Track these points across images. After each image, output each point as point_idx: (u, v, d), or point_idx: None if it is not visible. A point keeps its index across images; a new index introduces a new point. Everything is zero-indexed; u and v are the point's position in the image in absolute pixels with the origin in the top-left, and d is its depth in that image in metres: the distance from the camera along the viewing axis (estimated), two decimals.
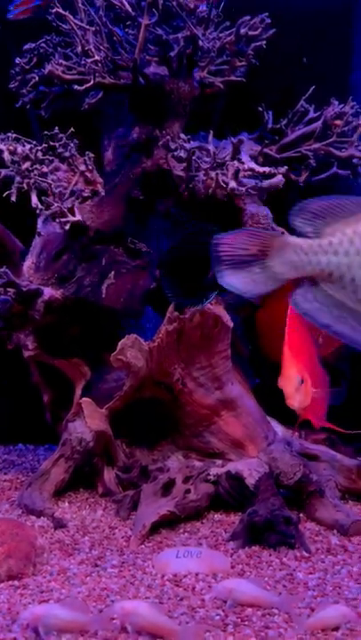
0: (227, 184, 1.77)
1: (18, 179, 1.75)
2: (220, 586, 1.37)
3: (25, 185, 1.74)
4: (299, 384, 1.38)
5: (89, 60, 1.90)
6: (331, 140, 2.08)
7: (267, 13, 2.01)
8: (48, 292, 1.93)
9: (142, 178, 2.00)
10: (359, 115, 2.11)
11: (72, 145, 1.84)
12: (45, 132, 1.84)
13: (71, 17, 1.92)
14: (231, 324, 1.90)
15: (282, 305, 1.80)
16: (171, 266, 1.88)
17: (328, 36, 2.40)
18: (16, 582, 1.44)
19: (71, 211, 1.80)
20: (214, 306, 1.90)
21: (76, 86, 1.93)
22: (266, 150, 2.08)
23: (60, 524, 1.73)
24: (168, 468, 1.85)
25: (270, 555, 1.59)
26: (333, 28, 2.41)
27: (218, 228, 1.83)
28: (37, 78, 2.10)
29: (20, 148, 1.78)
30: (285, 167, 1.86)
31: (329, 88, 2.14)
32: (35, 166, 1.76)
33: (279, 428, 2.00)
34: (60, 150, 1.83)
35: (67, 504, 1.88)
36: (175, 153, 1.84)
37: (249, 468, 1.81)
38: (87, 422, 1.91)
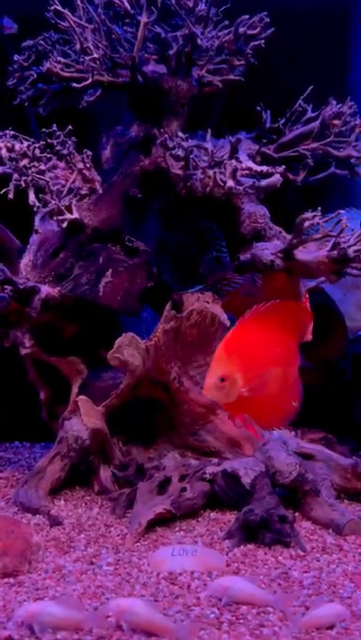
0: (224, 183, 1.78)
1: (15, 176, 1.75)
2: (215, 583, 1.37)
3: (22, 182, 1.74)
4: (218, 381, 1.39)
5: (87, 58, 1.90)
6: (329, 139, 2.08)
7: (266, 12, 2.00)
8: (45, 289, 1.92)
9: (140, 176, 2.00)
10: (357, 115, 2.11)
11: (70, 142, 1.84)
12: (43, 130, 1.84)
13: (70, 14, 1.92)
14: (228, 323, 1.91)
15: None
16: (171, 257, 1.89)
17: (327, 36, 2.40)
18: (11, 580, 1.44)
19: (68, 208, 1.80)
20: (211, 304, 1.91)
21: (74, 84, 1.93)
22: (264, 149, 2.08)
23: (55, 522, 1.73)
24: (164, 466, 1.85)
25: (266, 553, 1.60)
26: (332, 28, 2.41)
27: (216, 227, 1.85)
28: (35, 75, 2.09)
29: (17, 146, 1.78)
30: (283, 167, 1.86)
31: (327, 88, 2.14)
32: (32, 164, 1.76)
33: None
34: (58, 148, 1.83)
35: (62, 502, 1.88)
36: (173, 151, 1.84)
37: (245, 467, 1.81)
38: (83, 420, 1.90)
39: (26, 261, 2.02)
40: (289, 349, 1.49)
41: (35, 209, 1.77)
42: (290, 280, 1.91)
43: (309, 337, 1.83)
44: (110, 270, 1.97)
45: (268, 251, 1.89)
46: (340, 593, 1.41)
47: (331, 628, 1.26)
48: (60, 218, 1.79)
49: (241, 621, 1.28)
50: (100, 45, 1.91)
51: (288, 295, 1.85)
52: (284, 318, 1.48)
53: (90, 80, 1.90)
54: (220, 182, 1.78)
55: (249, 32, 1.99)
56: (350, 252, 1.76)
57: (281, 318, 1.48)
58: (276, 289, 1.90)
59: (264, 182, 1.83)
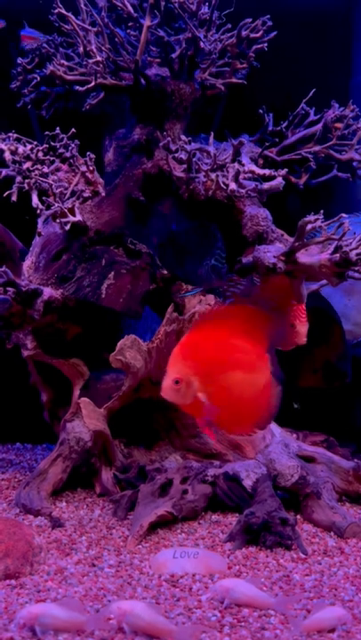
0: (227, 186, 1.78)
1: (19, 178, 1.75)
2: (217, 585, 1.37)
3: (26, 185, 1.74)
4: (173, 383, 1.40)
5: (91, 61, 1.90)
6: (331, 142, 2.09)
7: (268, 16, 2.01)
8: (48, 291, 1.93)
9: (143, 179, 2.01)
10: (359, 118, 2.12)
11: (73, 145, 1.84)
12: (47, 133, 1.84)
13: (73, 17, 1.93)
14: None
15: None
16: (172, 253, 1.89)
17: (329, 40, 2.41)
18: (13, 581, 1.44)
19: (71, 211, 1.80)
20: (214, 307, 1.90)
21: (77, 87, 1.93)
22: (266, 152, 2.08)
23: (57, 524, 1.73)
24: (166, 468, 1.86)
25: (267, 556, 1.60)
26: (334, 33, 2.42)
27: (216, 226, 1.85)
28: (39, 78, 2.10)
29: (21, 148, 1.78)
30: (285, 170, 1.86)
31: (330, 91, 2.15)
32: (36, 166, 1.77)
33: (277, 430, 2.00)
34: (61, 151, 1.83)
35: (64, 503, 1.88)
36: (176, 154, 1.84)
37: (246, 470, 1.81)
38: (85, 422, 1.91)
39: (28, 263, 2.03)
40: (255, 355, 1.47)
41: (38, 211, 1.77)
42: (289, 280, 1.91)
43: (303, 340, 1.83)
44: (113, 272, 1.98)
45: (270, 253, 1.89)
46: (342, 596, 1.41)
47: (332, 631, 1.26)
48: (63, 220, 1.79)
49: (242, 624, 1.28)
50: (103, 48, 1.92)
51: (287, 295, 1.86)
52: (244, 324, 1.47)
53: (93, 83, 1.91)
54: (222, 185, 1.78)
55: (252, 35, 2.00)
56: (352, 255, 1.76)
57: (241, 323, 1.46)
58: (275, 289, 1.91)
59: (266, 185, 1.83)
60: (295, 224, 1.81)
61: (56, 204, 1.77)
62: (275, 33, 2.02)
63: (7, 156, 1.76)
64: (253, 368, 1.47)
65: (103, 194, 1.91)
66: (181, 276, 1.89)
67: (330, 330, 2.22)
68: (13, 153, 1.76)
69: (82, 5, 1.95)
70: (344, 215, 1.79)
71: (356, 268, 1.78)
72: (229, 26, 2.00)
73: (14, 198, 1.73)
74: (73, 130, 1.85)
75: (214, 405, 1.43)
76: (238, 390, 1.45)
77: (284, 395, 2.28)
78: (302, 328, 1.86)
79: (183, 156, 1.83)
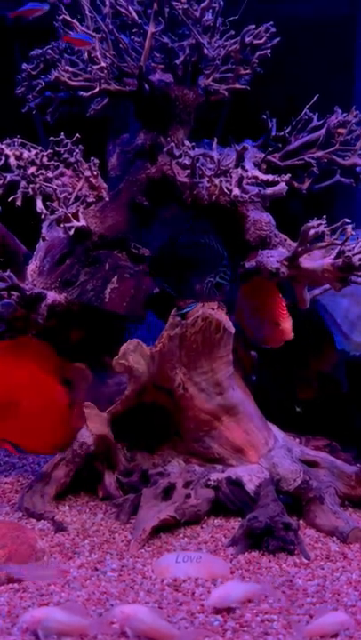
0: (230, 191, 1.79)
1: (23, 183, 1.76)
2: (211, 599, 1.36)
3: (30, 190, 1.75)
4: None
5: (95, 67, 1.91)
6: (334, 148, 2.10)
7: (272, 22, 2.02)
8: (51, 296, 1.94)
9: (146, 184, 2.02)
10: None
11: (77, 151, 1.85)
12: (51, 138, 1.85)
13: (78, 24, 1.94)
14: (233, 330, 1.91)
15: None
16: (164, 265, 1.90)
17: (332, 46, 2.42)
18: (16, 585, 1.45)
19: (75, 216, 1.81)
20: (216, 311, 1.91)
21: (82, 92, 1.95)
22: (269, 158, 2.09)
23: (60, 528, 1.74)
24: (169, 472, 1.86)
25: (270, 561, 1.60)
26: (337, 38, 2.43)
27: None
28: (44, 84, 2.12)
29: (25, 154, 1.79)
30: (289, 175, 1.87)
31: (333, 97, 2.16)
32: (40, 171, 1.78)
33: (280, 435, 2.01)
34: (66, 156, 1.84)
35: (67, 507, 1.88)
36: (179, 160, 1.85)
37: (249, 474, 1.81)
38: (88, 426, 1.91)
39: (32, 268, 2.04)
40: (42, 385, 1.71)
41: (42, 216, 1.78)
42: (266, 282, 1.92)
43: (289, 336, 1.88)
44: (116, 277, 1.98)
45: (273, 258, 1.90)
46: (345, 601, 1.41)
47: (335, 636, 1.26)
48: (67, 225, 1.80)
49: (245, 629, 1.28)
50: (107, 55, 1.93)
51: (267, 294, 1.89)
52: (34, 356, 1.71)
53: (97, 89, 1.92)
54: (225, 190, 1.79)
55: (255, 42, 2.01)
56: (355, 260, 1.77)
57: (31, 356, 1.71)
58: (256, 288, 1.93)
59: (270, 190, 1.84)
60: (298, 229, 1.82)
61: (60, 209, 1.78)
62: (278, 39, 2.03)
63: (12, 161, 1.77)
64: (42, 396, 1.70)
65: (107, 199, 1.92)
66: (174, 290, 1.89)
67: (322, 340, 2.23)
68: (18, 158, 1.78)
69: (86, 12, 1.97)
70: (347, 220, 1.80)
71: (360, 273, 1.78)
72: (233, 32, 2.01)
73: (19, 203, 1.74)
74: (77, 135, 1.86)
75: (6, 427, 1.68)
76: (29, 415, 1.70)
77: (286, 399, 2.30)
78: (286, 324, 1.88)
79: (187, 161, 1.83)
